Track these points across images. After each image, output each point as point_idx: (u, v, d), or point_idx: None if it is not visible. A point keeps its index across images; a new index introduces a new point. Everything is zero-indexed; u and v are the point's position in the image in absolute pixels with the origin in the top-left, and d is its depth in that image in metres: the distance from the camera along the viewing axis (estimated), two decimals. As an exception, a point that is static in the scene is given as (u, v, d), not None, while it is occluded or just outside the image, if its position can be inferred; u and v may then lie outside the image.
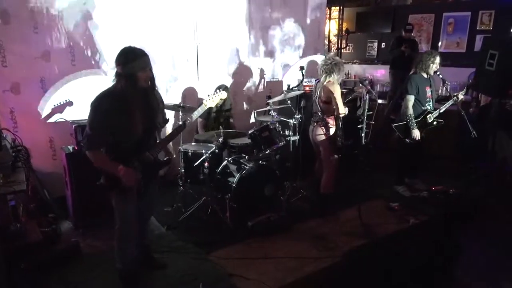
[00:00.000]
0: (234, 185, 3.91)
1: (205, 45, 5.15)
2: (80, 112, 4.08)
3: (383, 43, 8.68)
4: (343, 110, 3.84)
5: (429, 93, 4.44)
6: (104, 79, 4.28)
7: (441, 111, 4.43)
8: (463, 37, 7.38)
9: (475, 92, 5.94)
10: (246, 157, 4.18)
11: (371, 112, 4.62)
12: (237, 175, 3.93)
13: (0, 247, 2.67)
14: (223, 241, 3.61)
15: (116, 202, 2.72)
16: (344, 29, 8.64)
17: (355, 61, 9.21)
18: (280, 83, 6.13)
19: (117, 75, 2.47)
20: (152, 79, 2.60)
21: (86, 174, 3.70)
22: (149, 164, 2.69)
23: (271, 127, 4.14)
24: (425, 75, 4.40)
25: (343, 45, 8.67)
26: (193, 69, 5.14)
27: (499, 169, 5.03)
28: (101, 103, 2.46)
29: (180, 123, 3.00)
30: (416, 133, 4.32)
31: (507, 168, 5.02)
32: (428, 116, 4.38)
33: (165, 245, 3.54)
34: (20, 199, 3.41)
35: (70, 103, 4.15)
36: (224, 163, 4.21)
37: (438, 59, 4.33)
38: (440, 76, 4.42)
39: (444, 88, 5.39)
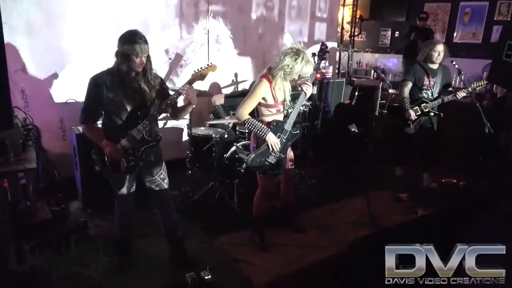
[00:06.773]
0: (242, 170, 3.90)
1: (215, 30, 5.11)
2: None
3: (397, 32, 8.51)
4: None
5: (427, 82, 4.35)
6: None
7: (440, 102, 4.32)
8: (479, 28, 7.21)
9: (490, 84, 5.83)
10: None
11: (384, 101, 4.55)
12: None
13: (10, 223, 2.70)
14: (230, 226, 3.63)
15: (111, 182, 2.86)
16: (357, 16, 8.48)
17: (367, 49, 9.07)
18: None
19: (115, 53, 2.55)
20: (147, 64, 2.60)
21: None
22: (138, 141, 2.68)
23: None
24: (429, 64, 4.33)
25: (356, 33, 8.53)
26: (204, 54, 5.09)
27: (509, 163, 4.95)
28: (94, 79, 2.59)
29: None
30: (411, 113, 4.28)
31: None
32: (423, 105, 4.33)
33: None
34: (30, 177, 3.44)
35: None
36: (233, 148, 4.19)
37: (439, 47, 4.24)
38: (456, 66, 4.35)
39: (459, 79, 5.29)
